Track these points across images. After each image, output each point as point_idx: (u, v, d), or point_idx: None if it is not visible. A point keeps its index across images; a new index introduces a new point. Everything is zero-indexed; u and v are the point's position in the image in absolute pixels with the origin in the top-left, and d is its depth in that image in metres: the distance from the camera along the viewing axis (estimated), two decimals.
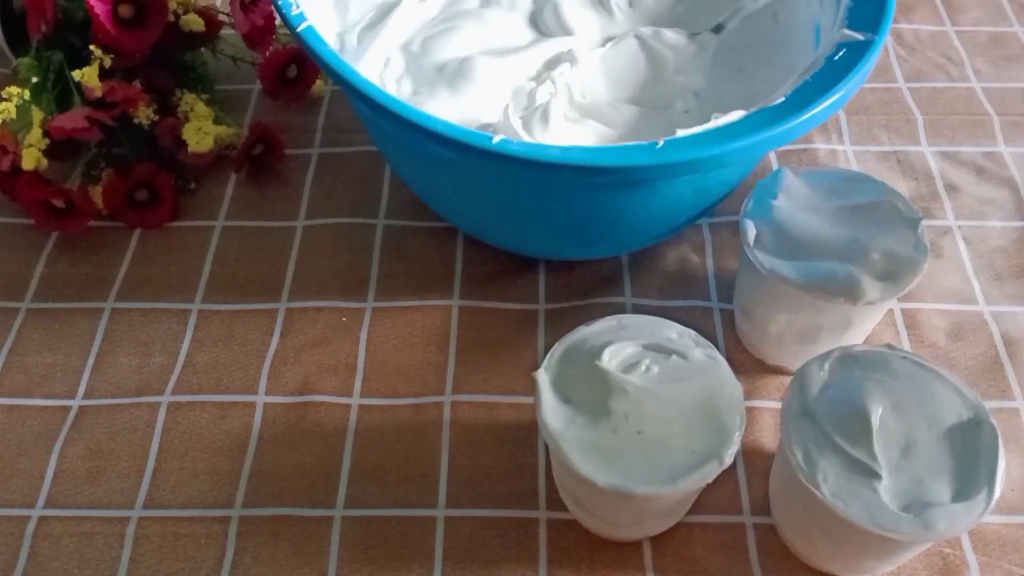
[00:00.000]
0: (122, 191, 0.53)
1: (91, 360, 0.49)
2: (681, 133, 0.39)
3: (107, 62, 0.51)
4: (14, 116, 0.50)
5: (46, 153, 0.51)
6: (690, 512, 0.43)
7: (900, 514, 0.35)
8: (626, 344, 0.38)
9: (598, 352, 0.38)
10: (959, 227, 0.55)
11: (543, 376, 0.39)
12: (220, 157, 0.56)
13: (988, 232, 0.55)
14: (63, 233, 0.55)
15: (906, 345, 0.50)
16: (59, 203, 0.52)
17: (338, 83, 0.41)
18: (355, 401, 0.47)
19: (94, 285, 0.52)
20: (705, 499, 0.43)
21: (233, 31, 0.59)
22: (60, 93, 0.53)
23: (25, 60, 0.53)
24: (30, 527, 0.43)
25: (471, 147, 0.38)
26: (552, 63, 0.50)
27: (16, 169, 0.51)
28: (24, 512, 0.44)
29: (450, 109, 0.46)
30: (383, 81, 0.49)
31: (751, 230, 0.44)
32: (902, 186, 0.57)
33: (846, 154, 0.59)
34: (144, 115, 0.53)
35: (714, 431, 0.37)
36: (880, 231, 0.43)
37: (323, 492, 0.44)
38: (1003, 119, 0.61)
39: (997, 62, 0.65)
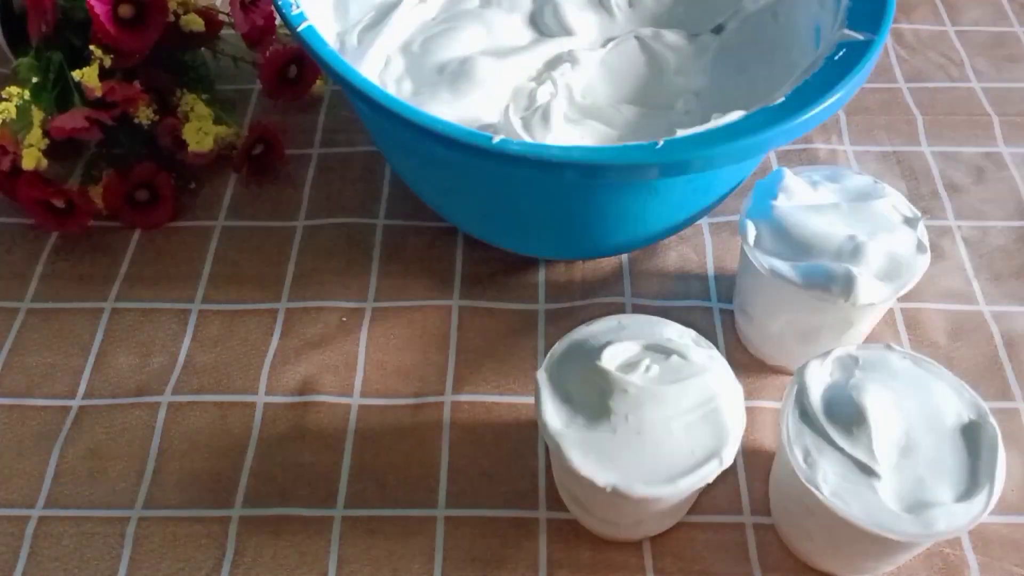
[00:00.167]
0: (122, 191, 0.53)
1: (91, 360, 0.49)
2: (681, 133, 0.39)
3: (107, 62, 0.51)
4: (14, 116, 0.50)
5: (46, 153, 0.51)
6: (690, 512, 0.43)
7: (900, 514, 0.35)
8: (626, 344, 0.38)
9: (598, 352, 0.38)
10: (959, 227, 0.55)
11: (543, 376, 0.39)
12: (220, 157, 0.56)
13: (988, 232, 0.55)
14: (63, 233, 0.55)
15: (906, 345, 0.50)
16: (59, 203, 0.52)
17: (339, 83, 0.41)
18: (355, 401, 0.47)
19: (94, 285, 0.52)
20: (705, 499, 0.43)
21: (233, 31, 0.59)
22: (60, 93, 0.53)
23: (25, 60, 0.53)
24: (30, 527, 0.43)
25: (471, 147, 0.38)
26: (553, 63, 0.50)
27: (16, 169, 0.51)
28: (24, 512, 0.44)
29: (450, 109, 0.46)
30: (383, 81, 0.49)
31: (751, 230, 0.44)
32: (902, 186, 0.57)
33: (846, 154, 0.59)
34: (144, 115, 0.53)
35: (714, 431, 0.37)
36: (880, 231, 0.43)
37: (323, 492, 0.44)
38: (1003, 119, 0.61)
39: (997, 62, 0.65)
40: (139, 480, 0.45)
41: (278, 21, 0.59)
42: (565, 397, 0.38)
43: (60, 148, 0.52)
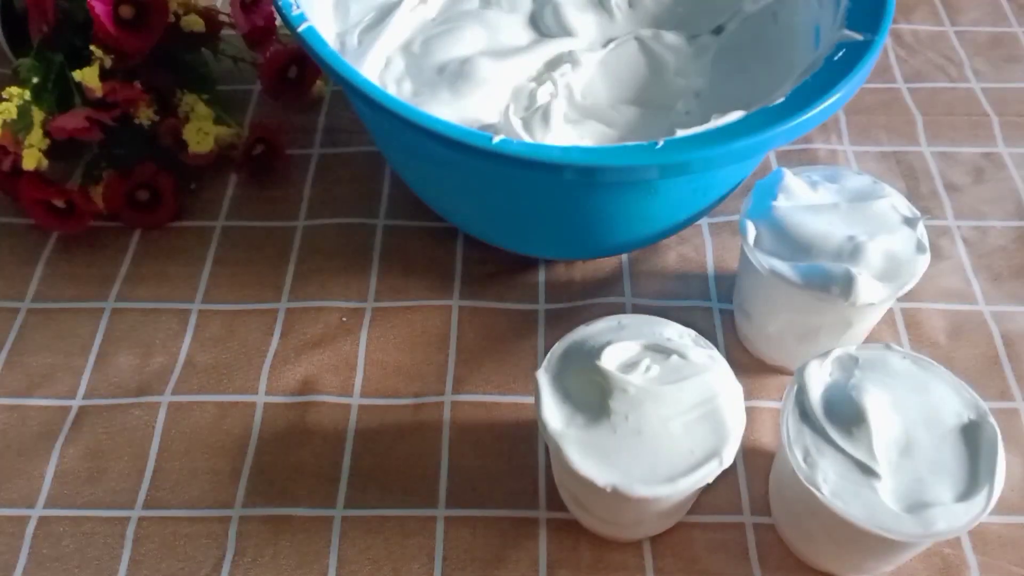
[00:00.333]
0: (123, 191, 0.53)
1: (91, 360, 0.49)
2: (681, 133, 0.39)
3: (108, 62, 0.51)
4: (15, 116, 0.50)
5: (47, 153, 0.51)
6: (690, 512, 0.43)
7: (900, 514, 0.35)
8: (626, 344, 0.38)
9: (598, 352, 0.38)
10: (959, 227, 0.55)
11: (543, 376, 0.39)
12: (221, 157, 0.56)
13: (987, 232, 0.55)
14: (63, 233, 0.55)
15: (906, 345, 0.50)
16: (59, 203, 0.52)
17: (339, 83, 0.41)
18: (355, 401, 0.47)
19: (94, 285, 0.52)
20: (705, 499, 0.43)
21: (234, 32, 0.59)
22: (61, 93, 0.53)
23: (26, 60, 0.53)
24: (30, 527, 0.43)
25: (471, 147, 0.38)
26: (553, 64, 0.51)
27: (17, 169, 0.51)
28: (24, 512, 0.44)
29: (451, 110, 0.46)
30: (384, 82, 0.49)
31: (751, 230, 0.44)
32: (901, 186, 0.57)
33: (846, 154, 0.59)
34: (145, 116, 0.53)
35: (714, 431, 0.37)
36: (880, 231, 0.43)
37: (323, 492, 0.44)
38: (1003, 119, 0.61)
39: (997, 62, 0.65)
40: (139, 480, 0.45)
41: (278, 21, 0.59)
42: (565, 397, 0.38)
43: (61, 148, 0.52)
